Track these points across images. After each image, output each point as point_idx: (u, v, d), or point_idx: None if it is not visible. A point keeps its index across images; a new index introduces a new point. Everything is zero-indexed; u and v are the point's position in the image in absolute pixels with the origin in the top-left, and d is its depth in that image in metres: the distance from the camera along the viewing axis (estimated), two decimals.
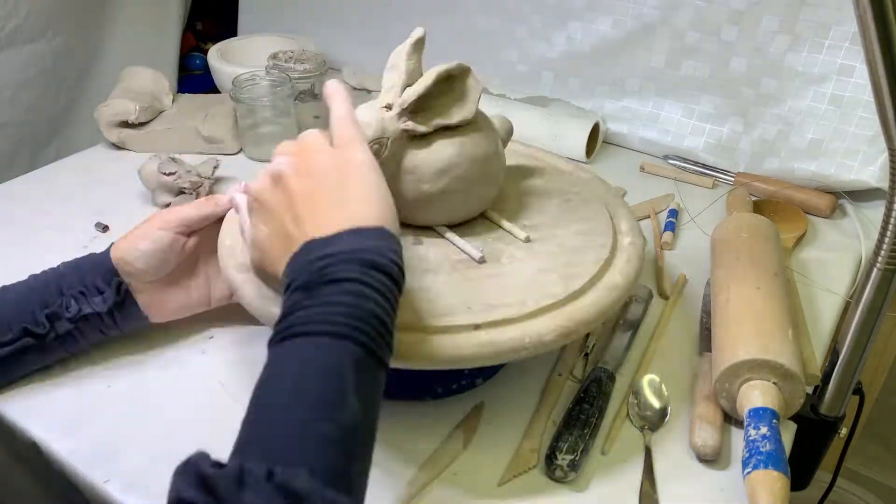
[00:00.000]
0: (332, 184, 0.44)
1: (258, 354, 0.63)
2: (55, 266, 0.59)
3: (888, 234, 0.48)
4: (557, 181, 0.68)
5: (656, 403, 0.60)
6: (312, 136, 0.47)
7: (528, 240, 0.58)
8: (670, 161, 0.97)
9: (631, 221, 0.62)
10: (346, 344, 0.38)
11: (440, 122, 0.55)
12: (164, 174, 0.81)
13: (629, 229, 0.61)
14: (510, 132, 0.65)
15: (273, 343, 0.39)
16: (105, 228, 0.80)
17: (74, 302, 0.57)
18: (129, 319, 0.60)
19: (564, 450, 0.54)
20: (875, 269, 0.50)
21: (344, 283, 0.39)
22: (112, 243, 0.60)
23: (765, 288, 0.62)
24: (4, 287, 0.58)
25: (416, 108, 0.54)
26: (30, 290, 0.57)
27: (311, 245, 0.41)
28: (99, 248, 0.62)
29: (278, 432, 0.35)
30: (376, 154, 0.53)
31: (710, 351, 0.62)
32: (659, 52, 0.92)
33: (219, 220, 0.61)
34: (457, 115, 0.55)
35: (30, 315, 0.56)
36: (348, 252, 0.40)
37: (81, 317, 0.57)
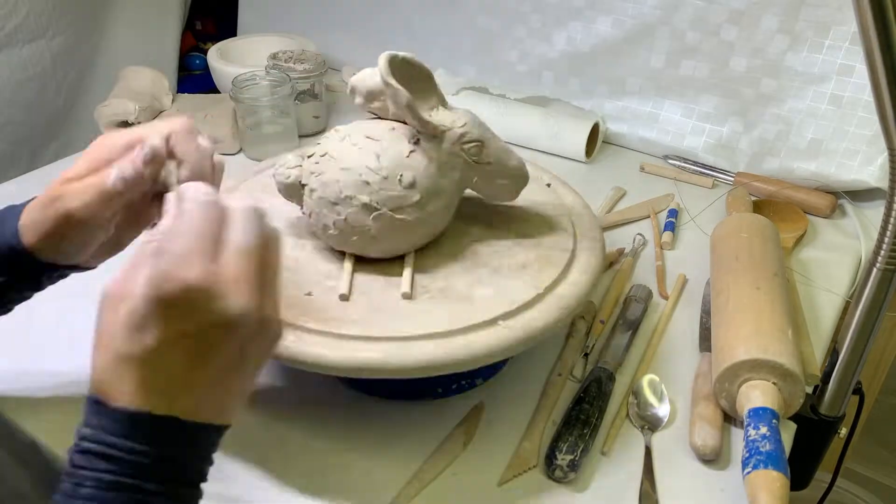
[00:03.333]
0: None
1: None
2: None
3: (888, 233, 0.48)
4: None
5: (656, 403, 0.60)
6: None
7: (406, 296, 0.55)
8: (670, 161, 0.97)
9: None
10: None
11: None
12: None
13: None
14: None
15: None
16: None
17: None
18: (74, 272, 0.53)
19: (564, 450, 0.54)
20: (875, 269, 0.50)
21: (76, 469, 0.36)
22: (25, 204, 0.49)
23: (765, 288, 0.62)
24: None
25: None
26: None
27: (97, 408, 0.36)
28: None
29: None
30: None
31: (710, 351, 0.62)
32: (659, 52, 0.92)
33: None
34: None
35: None
36: (92, 439, 0.36)
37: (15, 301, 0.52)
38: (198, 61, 1.29)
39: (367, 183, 0.54)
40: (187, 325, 0.35)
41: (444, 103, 0.58)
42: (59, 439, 0.56)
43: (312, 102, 1.00)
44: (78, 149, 0.98)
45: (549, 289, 0.55)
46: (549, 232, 0.62)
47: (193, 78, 1.27)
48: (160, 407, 0.35)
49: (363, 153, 0.55)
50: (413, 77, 0.55)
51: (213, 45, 1.10)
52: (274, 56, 0.99)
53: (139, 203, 0.49)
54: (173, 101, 1.00)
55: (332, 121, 1.06)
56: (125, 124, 0.94)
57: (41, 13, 1.01)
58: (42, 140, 1.08)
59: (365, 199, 0.54)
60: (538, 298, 0.54)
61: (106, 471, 0.35)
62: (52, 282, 0.52)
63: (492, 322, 0.52)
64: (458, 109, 0.58)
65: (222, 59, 1.06)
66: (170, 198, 0.38)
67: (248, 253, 0.37)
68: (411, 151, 0.55)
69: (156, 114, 0.97)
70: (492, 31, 1.03)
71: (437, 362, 0.50)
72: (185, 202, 0.37)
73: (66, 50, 1.07)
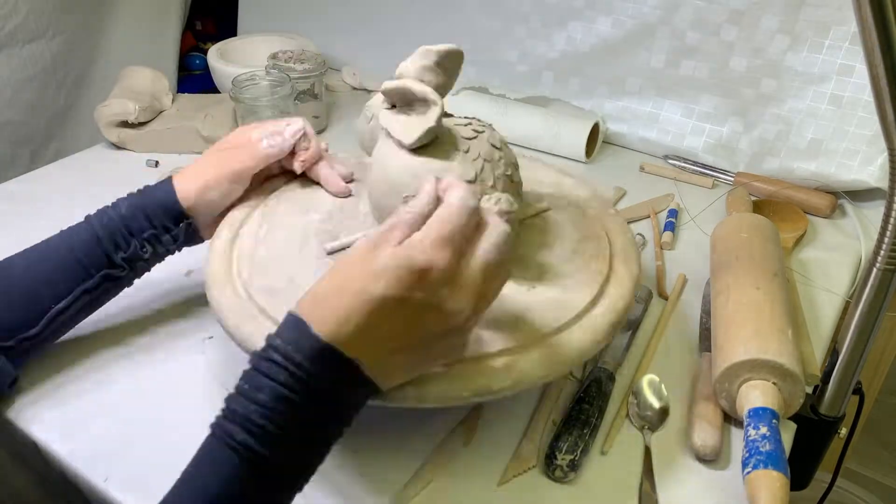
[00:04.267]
0: (342, 272, 0.41)
1: None
2: (113, 204, 0.60)
3: (888, 234, 0.48)
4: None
5: (656, 403, 0.60)
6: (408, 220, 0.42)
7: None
8: (670, 161, 0.97)
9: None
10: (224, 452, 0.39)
11: None
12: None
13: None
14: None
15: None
16: (157, 164, 0.91)
17: (149, 245, 0.59)
18: (190, 244, 0.63)
19: (564, 450, 0.54)
20: (875, 269, 0.50)
21: (244, 377, 0.40)
22: (170, 177, 0.60)
23: (764, 288, 0.62)
24: (69, 229, 0.59)
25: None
26: (99, 234, 0.57)
27: (298, 323, 0.41)
28: None
29: None
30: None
31: (709, 351, 0.62)
32: (659, 52, 0.93)
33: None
34: None
35: (106, 259, 0.57)
36: (282, 350, 0.40)
37: (155, 254, 0.60)
38: (198, 61, 1.29)
39: None
40: (414, 294, 0.39)
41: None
42: (59, 439, 0.56)
43: (312, 102, 1.00)
44: (78, 149, 0.98)
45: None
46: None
47: (193, 78, 1.27)
48: (352, 349, 0.39)
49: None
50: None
51: (213, 45, 1.10)
52: (274, 56, 0.99)
53: (255, 181, 0.63)
54: (173, 100, 1.00)
55: (332, 121, 1.06)
56: (125, 124, 0.94)
57: (41, 13, 1.01)
58: (42, 140, 1.08)
59: None
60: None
61: (284, 384, 0.39)
62: (179, 248, 0.62)
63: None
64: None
65: (222, 59, 1.06)
66: (429, 181, 0.43)
67: (488, 268, 0.42)
68: None
69: (156, 114, 0.97)
70: (492, 31, 1.03)
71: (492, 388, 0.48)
72: (452, 197, 0.42)
73: (66, 50, 1.06)
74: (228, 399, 0.40)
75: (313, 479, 0.42)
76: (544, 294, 0.54)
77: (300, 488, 0.41)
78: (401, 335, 0.41)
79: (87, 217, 0.59)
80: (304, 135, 0.64)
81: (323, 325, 0.39)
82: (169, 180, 0.60)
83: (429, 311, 0.40)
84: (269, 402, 0.38)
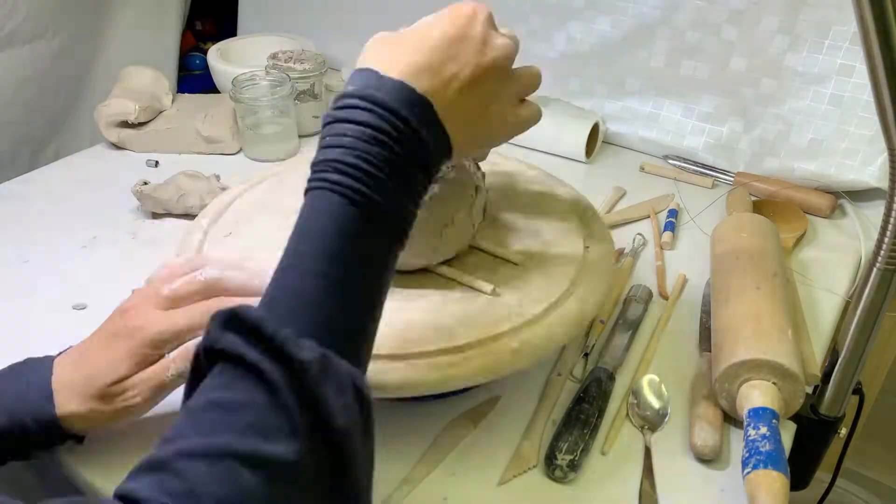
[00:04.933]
0: (435, 33, 0.43)
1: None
2: None
3: (888, 234, 0.48)
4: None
5: (656, 403, 0.60)
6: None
7: (494, 292, 0.55)
8: (670, 161, 0.97)
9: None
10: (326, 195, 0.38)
11: None
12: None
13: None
14: None
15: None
16: (156, 164, 0.89)
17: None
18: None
19: (564, 450, 0.54)
20: (875, 269, 0.50)
21: (335, 123, 0.40)
22: (50, 376, 0.48)
23: (765, 288, 0.62)
24: None
25: None
26: None
27: (364, 72, 0.41)
28: (92, 250, 0.60)
29: (334, 314, 0.37)
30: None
31: (710, 351, 0.62)
32: (659, 52, 0.92)
33: None
34: None
35: None
36: (355, 95, 0.40)
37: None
38: (198, 61, 1.28)
39: None
40: (468, 31, 0.43)
41: None
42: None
43: (312, 102, 1.00)
44: (78, 149, 0.98)
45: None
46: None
47: (193, 78, 1.27)
48: (422, 86, 0.40)
49: None
50: None
51: (213, 45, 1.10)
52: (274, 56, 0.99)
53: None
54: (173, 101, 1.00)
55: None
56: (125, 124, 0.94)
57: (41, 13, 1.01)
58: (42, 140, 1.08)
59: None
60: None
61: (366, 124, 0.38)
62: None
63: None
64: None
65: (222, 59, 1.06)
66: None
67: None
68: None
69: (156, 114, 0.97)
70: None
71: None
72: None
73: (66, 50, 1.06)
74: (314, 162, 0.39)
75: None
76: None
77: (401, 240, 0.41)
78: (459, 74, 0.42)
79: None
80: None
81: (391, 69, 0.40)
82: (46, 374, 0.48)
83: (479, 46, 0.43)
84: (358, 143, 0.38)
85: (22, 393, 0.48)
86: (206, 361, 0.35)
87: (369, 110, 0.39)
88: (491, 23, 0.45)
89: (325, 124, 0.40)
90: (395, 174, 0.39)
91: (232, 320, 0.34)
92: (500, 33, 0.45)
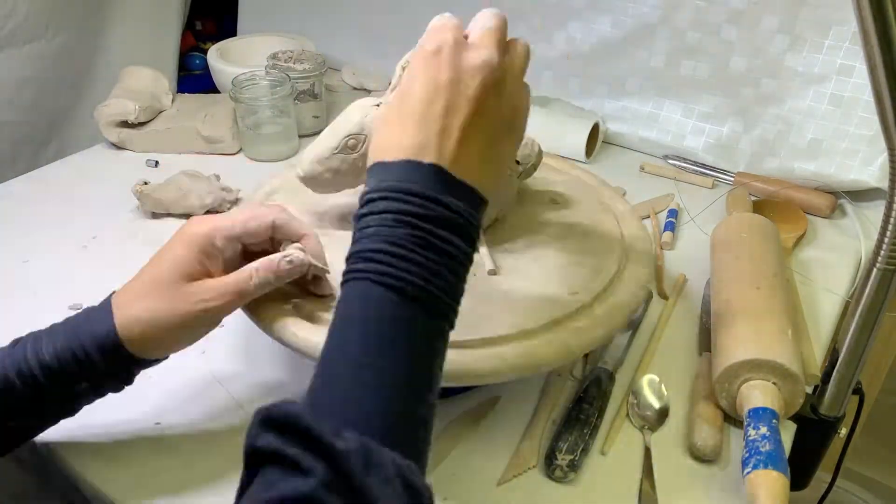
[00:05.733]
0: (414, 96, 0.42)
1: (258, 354, 0.63)
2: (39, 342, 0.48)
3: (888, 234, 0.48)
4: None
5: (656, 403, 0.60)
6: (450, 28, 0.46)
7: (493, 273, 0.56)
8: (670, 161, 0.97)
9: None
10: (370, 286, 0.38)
11: None
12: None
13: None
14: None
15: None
16: (156, 164, 0.89)
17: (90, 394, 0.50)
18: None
19: (564, 450, 0.54)
20: (875, 269, 0.50)
21: (360, 219, 0.40)
22: (111, 297, 0.49)
23: (765, 288, 0.62)
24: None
25: None
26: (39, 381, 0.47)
27: (373, 168, 0.42)
28: (92, 250, 0.60)
29: (378, 403, 0.36)
30: (351, 149, 0.53)
31: (709, 351, 0.62)
32: (659, 52, 0.92)
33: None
34: None
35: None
36: (371, 190, 0.40)
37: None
38: (198, 61, 1.29)
39: None
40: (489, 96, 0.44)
41: None
42: (58, 439, 0.56)
43: (312, 102, 1.00)
44: (78, 149, 0.98)
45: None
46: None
47: (193, 78, 1.27)
48: (429, 157, 0.40)
49: None
50: None
51: (213, 45, 1.10)
52: (274, 56, 0.99)
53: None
54: (173, 100, 1.00)
55: (331, 121, 1.05)
56: (125, 124, 0.94)
57: (41, 13, 1.01)
58: (42, 140, 1.08)
59: None
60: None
61: (385, 210, 0.39)
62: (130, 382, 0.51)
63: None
64: None
65: (222, 59, 1.06)
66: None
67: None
68: None
69: (156, 114, 0.97)
70: None
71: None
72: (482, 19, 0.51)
73: (67, 50, 1.07)
74: (347, 256, 0.40)
75: None
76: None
77: (447, 316, 0.40)
78: (454, 125, 0.41)
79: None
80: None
81: (397, 152, 0.41)
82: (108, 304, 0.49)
83: (455, 85, 0.43)
84: (380, 229, 0.39)
85: (82, 317, 0.49)
86: (251, 463, 0.34)
87: (384, 198, 0.39)
88: (459, 46, 0.44)
89: (356, 228, 0.41)
90: (429, 249, 0.39)
91: (270, 418, 0.33)
92: (474, 44, 0.46)
